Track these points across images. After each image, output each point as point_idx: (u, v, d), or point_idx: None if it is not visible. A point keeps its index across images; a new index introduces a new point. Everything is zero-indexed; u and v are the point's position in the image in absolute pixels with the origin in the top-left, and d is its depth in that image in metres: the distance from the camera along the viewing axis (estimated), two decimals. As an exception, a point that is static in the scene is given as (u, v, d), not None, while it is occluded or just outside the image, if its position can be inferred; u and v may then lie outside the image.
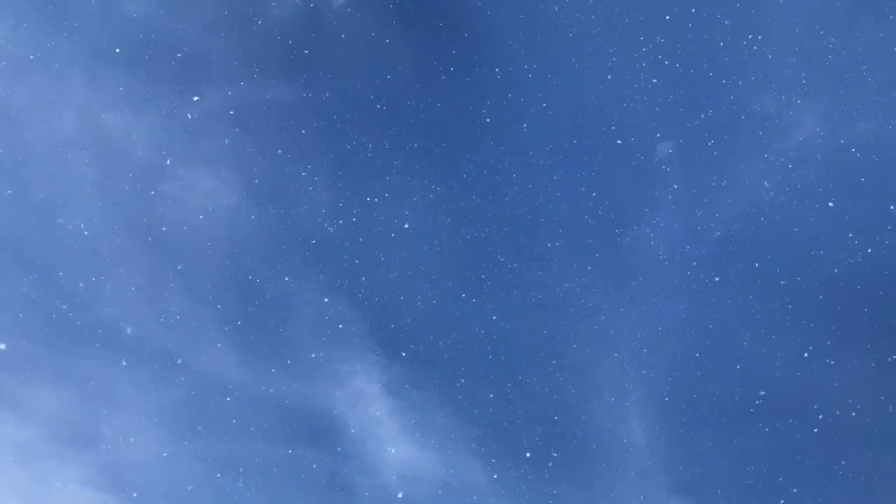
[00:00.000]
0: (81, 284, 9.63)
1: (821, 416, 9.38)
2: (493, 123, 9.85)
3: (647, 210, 9.77)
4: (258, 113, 9.71)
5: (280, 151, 9.78)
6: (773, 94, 9.51)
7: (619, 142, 9.76)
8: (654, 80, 9.66)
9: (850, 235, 9.36)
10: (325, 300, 9.89)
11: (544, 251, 9.86)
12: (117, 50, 9.47)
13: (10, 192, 9.45)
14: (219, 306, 9.82)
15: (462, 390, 9.94)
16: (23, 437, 9.65)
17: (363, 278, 9.90)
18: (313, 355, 9.89)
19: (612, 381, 9.83)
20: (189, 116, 9.62)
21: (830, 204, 9.43)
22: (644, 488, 9.68)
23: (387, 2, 9.76)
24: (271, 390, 9.88)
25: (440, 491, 9.90)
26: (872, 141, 9.33)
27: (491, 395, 9.91)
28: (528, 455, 9.87)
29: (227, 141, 9.72)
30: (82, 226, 9.59)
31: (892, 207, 9.30)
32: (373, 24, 9.79)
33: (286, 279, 9.85)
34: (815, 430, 9.40)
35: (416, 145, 9.89)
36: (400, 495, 9.91)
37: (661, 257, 9.77)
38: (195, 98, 9.55)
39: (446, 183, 9.92)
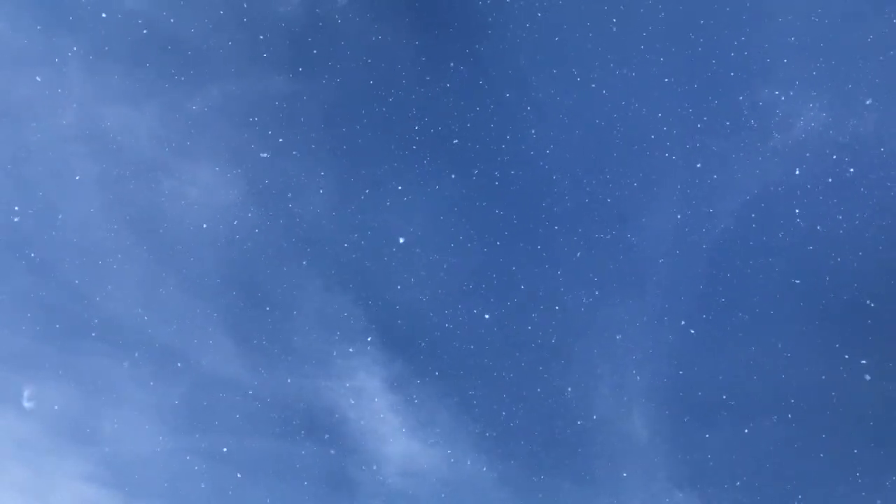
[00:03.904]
0: (82, 280, 9.62)
1: (823, 412, 9.42)
2: (496, 122, 9.84)
3: (648, 209, 9.78)
4: (260, 108, 9.70)
5: (282, 147, 9.77)
6: (776, 90, 9.51)
7: (621, 140, 9.77)
8: (656, 79, 9.66)
9: (852, 232, 9.36)
10: (327, 296, 9.90)
11: (546, 248, 9.87)
12: (118, 45, 9.45)
13: (10, 187, 9.44)
14: (220, 302, 9.83)
15: (463, 386, 9.96)
16: (24, 432, 9.65)
17: (365, 274, 9.90)
18: (315, 351, 9.91)
19: (614, 377, 9.86)
20: (190, 112, 9.61)
21: (833, 200, 9.44)
22: (646, 482, 9.71)
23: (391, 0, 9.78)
24: (273, 386, 9.90)
25: (441, 486, 9.92)
26: (874, 135, 9.35)
27: (492, 391, 9.93)
28: (529, 450, 9.89)
29: (228, 136, 9.72)
30: (83, 221, 9.58)
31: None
32: (377, 22, 9.77)
33: (288, 275, 9.86)
34: (816, 426, 9.43)
35: (419, 143, 9.88)
36: (402, 492, 9.94)
37: (664, 254, 9.79)
38: (193, 92, 9.56)
39: (449, 180, 9.92)
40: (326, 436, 9.94)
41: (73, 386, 9.70)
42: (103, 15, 9.35)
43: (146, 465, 9.82)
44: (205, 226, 9.73)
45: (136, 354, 9.76)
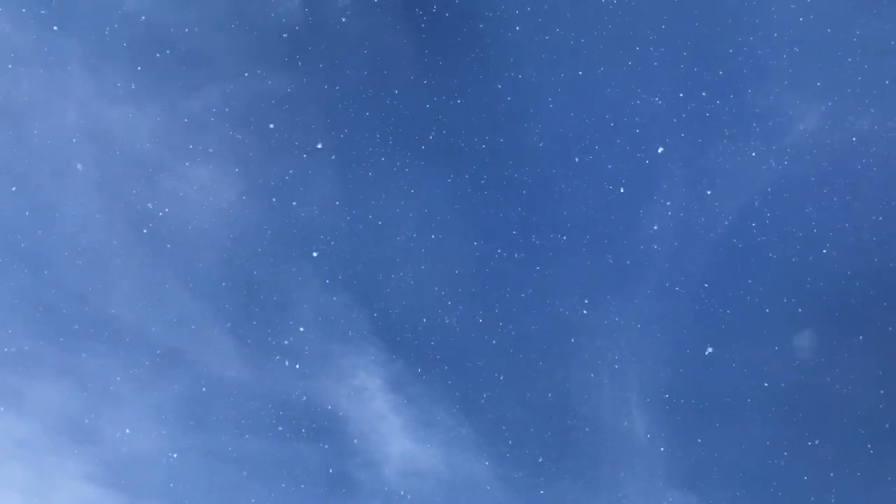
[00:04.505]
0: (82, 280, 9.62)
1: (820, 412, 9.45)
2: (496, 122, 9.85)
3: (648, 208, 9.80)
4: (260, 108, 9.70)
5: (282, 147, 9.78)
6: (774, 91, 9.54)
7: (620, 140, 9.78)
8: (655, 79, 9.68)
9: (852, 231, 9.40)
10: (327, 295, 9.90)
11: (547, 248, 9.89)
12: (119, 45, 9.44)
13: (11, 187, 9.43)
14: (220, 302, 9.83)
15: (464, 386, 9.97)
16: (24, 432, 9.65)
17: (366, 274, 9.91)
18: (315, 351, 9.91)
19: (614, 376, 9.88)
20: (191, 112, 9.62)
21: (833, 200, 9.47)
22: (644, 482, 9.73)
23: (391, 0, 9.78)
24: (273, 385, 9.90)
25: (441, 485, 9.94)
26: (873, 136, 9.37)
27: (494, 390, 9.95)
28: (529, 450, 9.91)
29: (228, 136, 9.72)
30: (83, 221, 9.58)
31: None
32: (376, 22, 9.78)
33: (288, 275, 9.86)
34: (815, 426, 9.46)
35: (418, 143, 9.89)
36: (402, 492, 9.95)
37: (666, 253, 9.80)
38: (194, 92, 9.57)
39: (448, 181, 9.94)
40: (327, 436, 9.96)
41: (74, 386, 9.70)
42: (104, 15, 9.35)
43: (146, 465, 9.82)
44: (205, 226, 9.74)
45: (136, 354, 9.77)
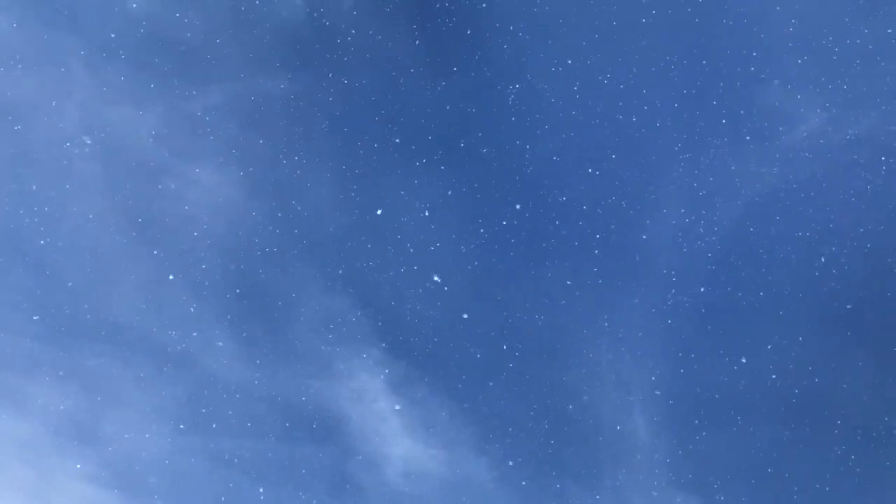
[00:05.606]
0: (84, 281, 9.60)
1: (824, 412, 9.47)
2: (498, 122, 9.86)
3: (651, 206, 9.81)
4: (262, 109, 9.69)
5: (284, 147, 9.77)
6: (778, 90, 9.55)
7: (623, 138, 9.79)
8: (659, 77, 9.68)
9: (852, 233, 9.42)
10: (329, 297, 9.91)
11: (549, 247, 9.90)
12: (120, 45, 9.42)
13: (12, 187, 9.41)
14: (222, 303, 9.81)
15: (466, 386, 9.98)
16: (26, 433, 9.64)
17: (367, 275, 9.91)
18: (317, 352, 9.91)
19: (617, 376, 9.89)
20: (192, 113, 9.60)
21: (833, 202, 9.49)
22: (647, 484, 9.75)
23: (393, 0, 9.76)
24: (274, 387, 9.90)
25: (443, 486, 9.95)
26: (877, 135, 9.39)
27: (495, 391, 9.95)
28: (531, 451, 9.92)
29: (230, 137, 9.71)
30: (85, 222, 9.56)
31: None
32: (379, 22, 9.77)
33: (290, 275, 9.86)
34: (819, 426, 9.49)
35: (420, 143, 9.90)
36: (404, 493, 9.96)
37: (666, 253, 9.82)
38: (195, 93, 9.56)
39: (450, 180, 9.93)
40: (328, 437, 9.96)
41: (75, 387, 9.69)
42: (106, 15, 9.33)
43: (147, 466, 9.82)
44: (206, 226, 9.72)
45: (138, 355, 9.76)
